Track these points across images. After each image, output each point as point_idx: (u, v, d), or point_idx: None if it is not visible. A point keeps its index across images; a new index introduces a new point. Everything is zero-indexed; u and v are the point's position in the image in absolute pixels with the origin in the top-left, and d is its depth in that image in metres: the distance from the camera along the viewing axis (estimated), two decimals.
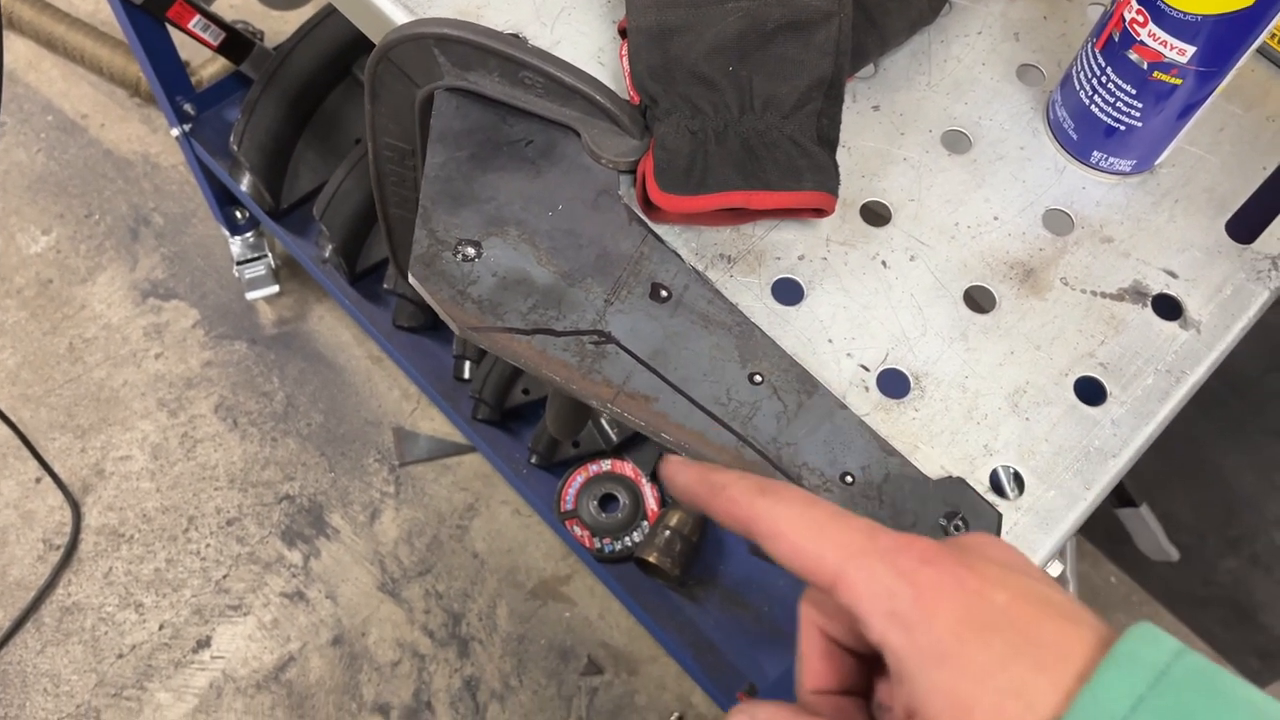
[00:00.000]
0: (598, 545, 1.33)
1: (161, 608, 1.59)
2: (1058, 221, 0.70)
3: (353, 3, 0.73)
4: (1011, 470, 0.61)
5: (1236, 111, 0.74)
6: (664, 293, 0.63)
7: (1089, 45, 0.67)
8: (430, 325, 1.43)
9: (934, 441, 0.62)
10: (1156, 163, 0.71)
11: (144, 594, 1.59)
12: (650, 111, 0.65)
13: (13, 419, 1.62)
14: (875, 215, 0.69)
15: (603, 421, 1.35)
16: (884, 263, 0.67)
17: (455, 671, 1.58)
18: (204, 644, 1.57)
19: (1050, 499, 0.61)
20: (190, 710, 1.53)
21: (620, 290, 0.63)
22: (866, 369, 0.63)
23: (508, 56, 0.64)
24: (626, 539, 1.33)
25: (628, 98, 0.66)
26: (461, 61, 0.66)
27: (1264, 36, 0.60)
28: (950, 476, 0.60)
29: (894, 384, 0.63)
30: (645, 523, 1.34)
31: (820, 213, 0.65)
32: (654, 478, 1.36)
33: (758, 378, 0.62)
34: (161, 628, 1.58)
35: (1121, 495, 1.39)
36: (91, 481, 1.66)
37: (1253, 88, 0.75)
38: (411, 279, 0.61)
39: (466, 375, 1.39)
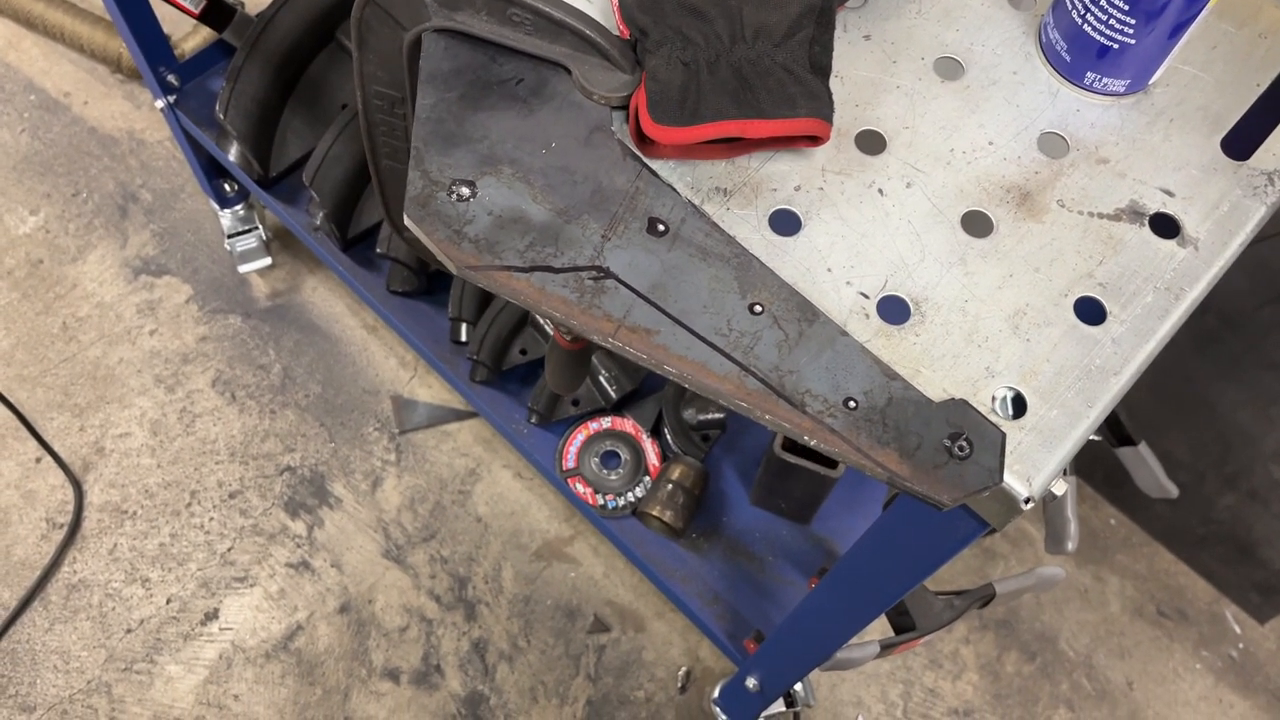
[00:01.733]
0: (601, 502, 1.33)
1: (168, 582, 1.59)
2: (1053, 145, 0.69)
3: None
4: (1013, 393, 0.61)
5: (1229, 29, 0.74)
6: (661, 227, 0.63)
7: None
8: (424, 289, 1.43)
9: (935, 365, 0.62)
10: (1150, 82, 0.70)
11: (150, 569, 1.60)
12: (640, 45, 0.65)
13: (10, 400, 1.62)
14: (870, 144, 0.68)
15: (601, 379, 1.35)
16: (880, 190, 0.67)
17: (463, 634, 1.59)
18: (212, 616, 1.57)
19: (1053, 418, 0.61)
20: (201, 681, 1.53)
21: (617, 226, 0.63)
22: (866, 296, 0.63)
23: None
24: (629, 494, 1.33)
25: (617, 32, 0.66)
26: (449, 1, 0.65)
27: None
28: (953, 399, 0.60)
29: (894, 310, 0.63)
30: (647, 478, 1.34)
31: (815, 141, 0.65)
32: (654, 433, 1.36)
33: (758, 308, 0.62)
34: (169, 601, 1.58)
35: (1120, 434, 1.39)
36: (92, 460, 1.66)
37: (1244, 5, 0.75)
38: (407, 220, 0.61)
39: (463, 338, 1.38)
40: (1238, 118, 0.70)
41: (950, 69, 0.72)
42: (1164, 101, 0.71)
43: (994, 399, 0.61)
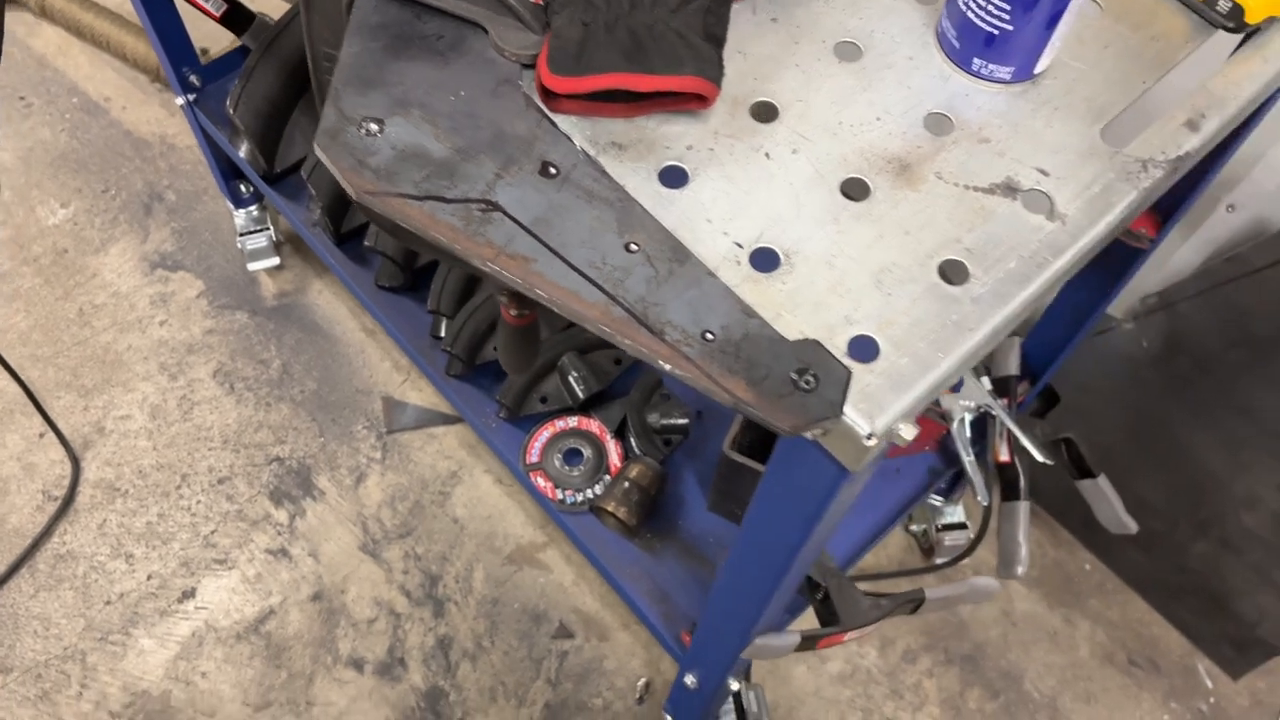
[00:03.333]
0: (560, 497, 1.37)
1: (151, 559, 1.65)
2: (938, 124, 0.73)
3: None
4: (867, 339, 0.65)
5: (1124, 31, 0.78)
6: (553, 170, 0.68)
7: None
8: (410, 285, 1.49)
9: (797, 311, 0.65)
10: (1036, 72, 0.74)
11: (135, 545, 1.65)
12: (550, 8, 0.70)
13: (22, 377, 1.70)
14: (764, 113, 0.73)
15: (570, 379, 1.40)
16: (767, 154, 0.71)
17: (429, 630, 1.62)
18: (189, 595, 1.62)
19: (904, 365, 0.64)
20: (172, 657, 1.58)
21: (511, 166, 0.68)
22: (740, 246, 0.68)
23: None
24: (589, 491, 1.37)
25: None
26: None
27: None
28: (806, 339, 0.64)
29: (765, 260, 0.67)
30: (608, 477, 1.37)
31: (703, 101, 0.70)
32: (619, 434, 1.40)
33: (633, 246, 0.66)
34: (149, 578, 1.63)
35: (1081, 466, 1.40)
36: (92, 438, 1.73)
37: (1140, 10, 0.79)
38: (316, 148, 0.67)
39: (442, 333, 1.44)
40: (1120, 110, 0.74)
41: (849, 52, 0.76)
42: (1051, 92, 0.75)
43: (849, 342, 0.65)
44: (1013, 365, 1.39)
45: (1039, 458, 1.31)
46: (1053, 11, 0.69)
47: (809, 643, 1.07)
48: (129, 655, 1.58)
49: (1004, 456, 1.36)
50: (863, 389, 0.63)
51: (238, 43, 1.55)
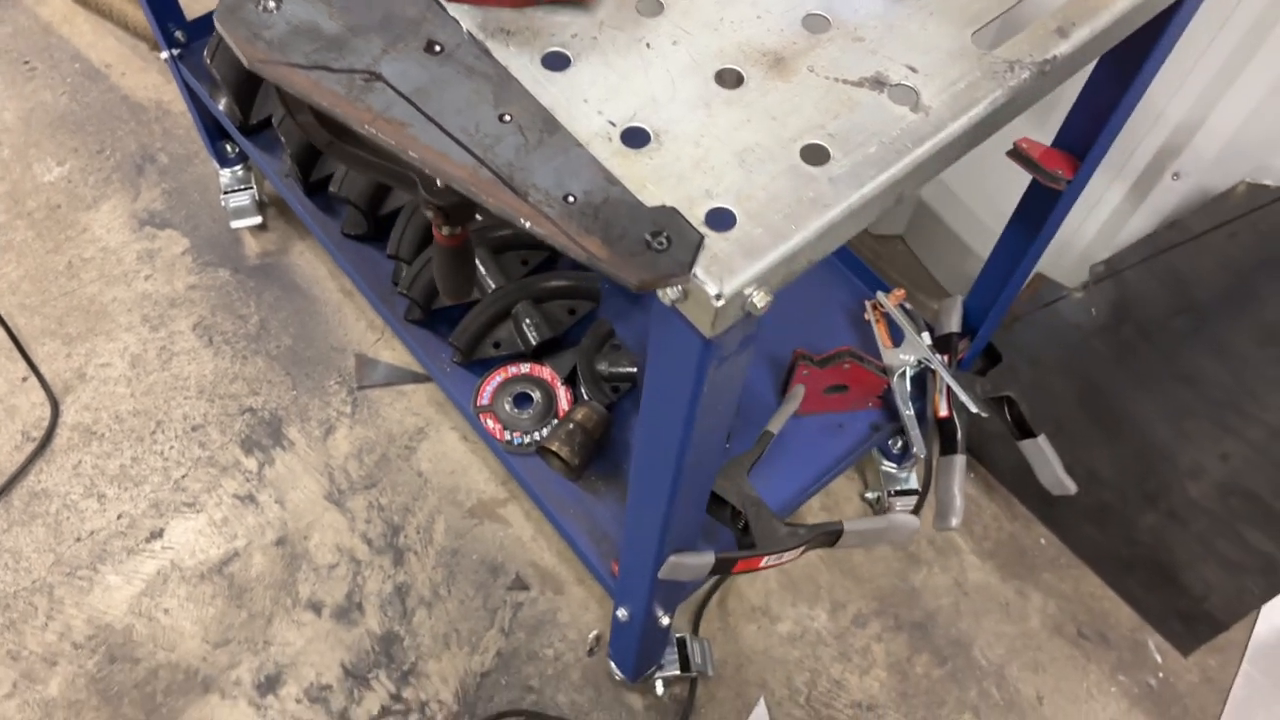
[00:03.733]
0: (508, 438, 1.40)
1: (122, 500, 1.69)
2: (816, 23, 0.77)
3: None
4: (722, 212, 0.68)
5: None
6: (437, 48, 0.72)
7: None
8: (374, 234, 1.53)
9: (661, 184, 0.69)
10: None
11: (108, 486, 1.70)
12: None
13: (8, 323, 1.76)
14: (649, 8, 0.77)
15: (524, 325, 1.43)
16: (648, 44, 0.75)
17: (388, 578, 1.65)
18: (156, 535, 1.67)
19: (757, 235, 0.67)
20: (136, 593, 1.62)
21: (397, 44, 0.72)
22: (613, 124, 0.71)
23: None
24: (536, 434, 1.40)
25: None
26: None
27: None
28: (664, 206, 0.67)
29: (636, 137, 0.71)
30: (556, 421, 1.41)
31: None
32: (569, 382, 1.44)
33: (506, 117, 0.70)
34: (119, 517, 1.68)
35: (1021, 426, 1.42)
36: (73, 383, 1.79)
37: None
38: (216, 21, 0.71)
39: (400, 280, 1.48)
40: (994, 17, 0.77)
41: None
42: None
43: (706, 213, 0.68)
44: (954, 323, 1.41)
45: (974, 409, 1.33)
46: None
47: (724, 565, 1.10)
48: (95, 590, 1.62)
49: (943, 412, 1.38)
50: (715, 254, 0.66)
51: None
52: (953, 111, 0.73)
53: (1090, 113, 1.04)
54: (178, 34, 1.62)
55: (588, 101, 0.72)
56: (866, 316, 1.41)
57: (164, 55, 1.64)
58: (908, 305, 1.41)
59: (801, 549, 1.12)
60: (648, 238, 0.66)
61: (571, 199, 0.67)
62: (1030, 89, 0.76)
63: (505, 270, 1.47)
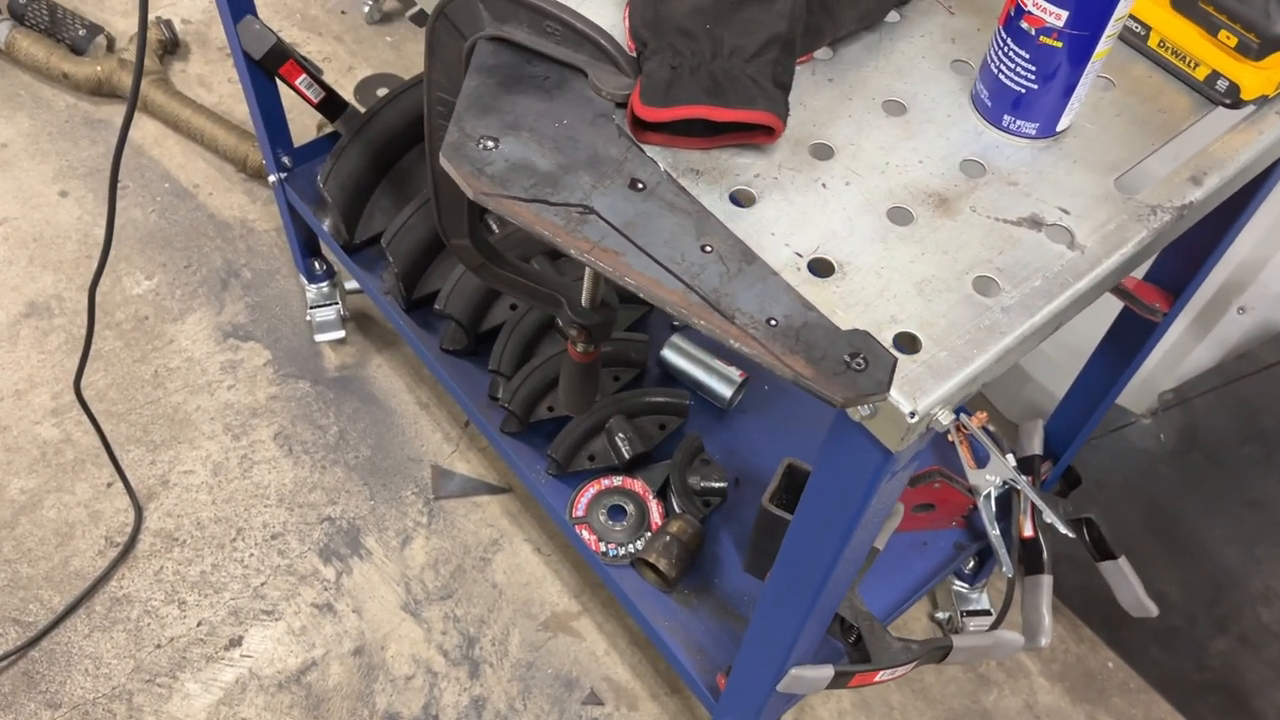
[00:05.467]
0: (603, 549, 1.44)
1: (202, 606, 1.71)
2: (972, 168, 0.85)
3: None
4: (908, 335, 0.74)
5: (1134, 103, 0.90)
6: (640, 185, 0.79)
7: (996, 26, 0.83)
8: (472, 350, 1.60)
9: (849, 310, 0.75)
10: (1058, 130, 0.86)
11: (188, 593, 1.72)
12: (641, 54, 0.83)
13: (102, 429, 1.80)
14: (821, 152, 0.85)
15: (617, 439, 1.48)
16: (824, 185, 0.82)
17: (464, 690, 1.66)
18: (235, 643, 1.68)
19: (943, 358, 0.73)
20: (215, 702, 1.63)
21: (604, 180, 0.79)
22: (800, 255, 0.78)
23: (536, 8, 0.83)
24: (630, 546, 1.44)
25: (626, 46, 0.85)
26: (499, 15, 0.85)
27: (1121, 8, 0.76)
28: (857, 329, 0.74)
29: (821, 268, 0.78)
30: (649, 534, 1.44)
31: (770, 134, 0.82)
32: (660, 495, 1.48)
33: (708, 248, 0.77)
34: (199, 624, 1.70)
35: (1101, 548, 1.46)
36: (156, 490, 1.82)
37: (1149, 87, 0.91)
38: (442, 159, 0.78)
39: (499, 394, 1.54)
40: (1131, 166, 0.85)
41: (895, 109, 0.88)
42: (1071, 148, 0.86)
43: (894, 337, 0.74)
44: (1036, 445, 1.47)
45: (1062, 530, 1.37)
46: (1069, 81, 0.81)
47: (842, 678, 1.12)
48: (174, 698, 1.63)
49: (1028, 532, 1.43)
50: (906, 375, 0.72)
51: (323, 131, 1.71)
52: (1105, 250, 0.80)
53: (1188, 251, 1.12)
54: (285, 159, 1.72)
55: (774, 235, 0.79)
56: (950, 437, 1.46)
57: (272, 178, 1.73)
58: (989, 427, 1.47)
59: (914, 664, 1.15)
60: (846, 358, 0.72)
61: (774, 322, 0.73)
62: (1169, 230, 0.83)
63: (599, 385, 1.53)
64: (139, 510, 1.79)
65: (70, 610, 1.69)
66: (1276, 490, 1.48)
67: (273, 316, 2.04)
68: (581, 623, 1.74)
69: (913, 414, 0.71)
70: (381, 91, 2.26)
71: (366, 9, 2.51)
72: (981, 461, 1.45)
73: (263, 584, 1.74)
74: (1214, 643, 1.62)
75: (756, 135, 0.82)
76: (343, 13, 2.56)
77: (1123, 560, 1.45)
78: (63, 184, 2.19)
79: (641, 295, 0.74)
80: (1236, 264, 1.47)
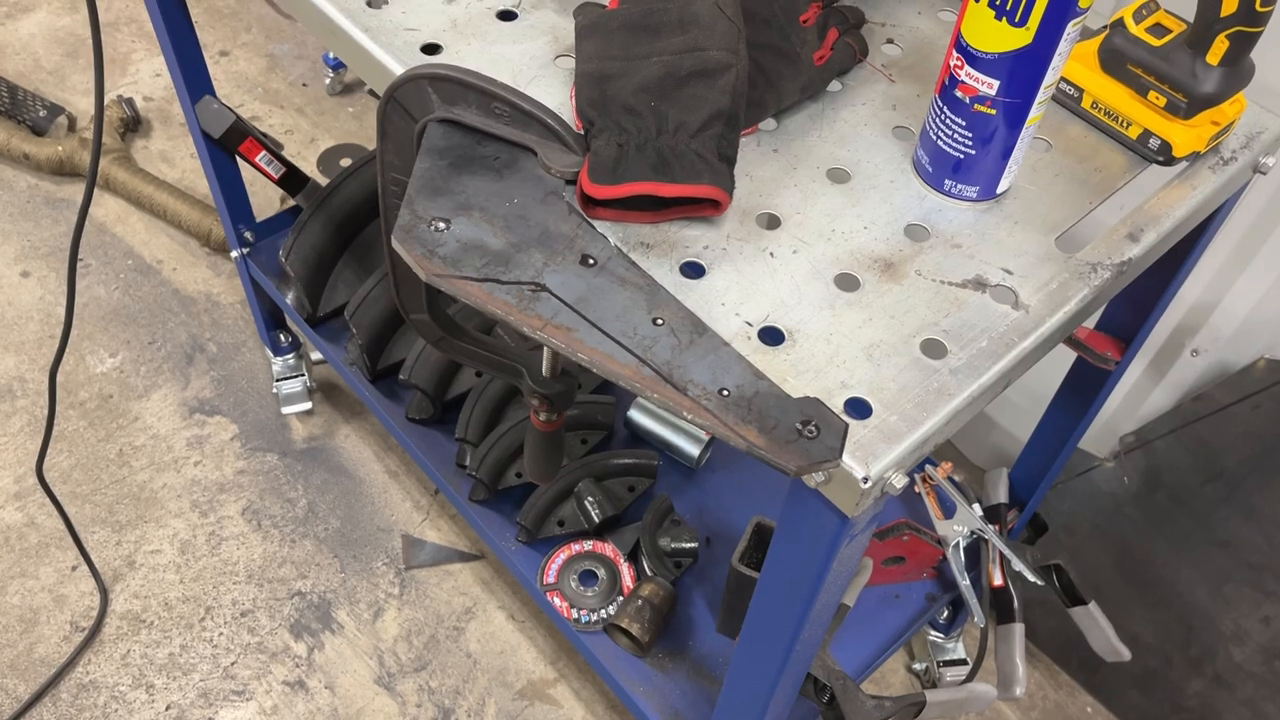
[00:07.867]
0: (575, 616, 1.43)
1: (171, 690, 1.68)
2: (917, 232, 0.87)
3: (366, 64, 0.95)
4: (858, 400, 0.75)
5: (1071, 163, 0.92)
6: (591, 261, 0.81)
7: (934, 95, 0.86)
8: (439, 419, 1.60)
9: (800, 377, 0.76)
10: (999, 192, 0.88)
11: (156, 676, 1.69)
12: (589, 132, 0.84)
13: (66, 513, 1.78)
14: (768, 222, 0.86)
15: (586, 503, 1.48)
16: (771, 254, 0.84)
17: None
18: None
19: (893, 422, 0.75)
20: None
21: (556, 258, 0.80)
22: (750, 324, 0.79)
23: (484, 90, 0.85)
24: (603, 611, 1.43)
25: (574, 125, 0.86)
26: (448, 98, 0.87)
27: (1050, 75, 0.79)
28: (808, 396, 0.75)
29: (772, 336, 0.79)
30: (621, 598, 1.44)
31: (717, 207, 0.83)
32: (631, 558, 1.48)
33: (659, 320, 0.78)
34: (168, 708, 1.67)
35: (1071, 594, 1.47)
36: (122, 571, 1.80)
37: (1085, 148, 0.94)
38: (394, 241, 0.79)
39: (467, 461, 1.54)
40: (1071, 225, 0.87)
41: (840, 176, 0.90)
42: (1012, 209, 0.89)
43: (845, 403, 0.75)
44: (1002, 493, 1.48)
45: (1030, 578, 1.38)
46: (1006, 145, 0.84)
47: None
48: None
49: (998, 580, 1.43)
50: (858, 440, 0.73)
51: (286, 205, 1.72)
52: (1049, 308, 0.82)
53: (1136, 301, 1.14)
54: (247, 234, 1.72)
55: (725, 305, 0.80)
56: (917, 489, 1.47)
57: (235, 254, 1.73)
58: (955, 477, 1.48)
59: None
60: (798, 426, 0.73)
61: (726, 392, 0.74)
62: (1110, 286, 0.85)
63: (566, 450, 1.53)
64: (104, 593, 1.76)
65: (35, 699, 1.66)
66: (1241, 529, 1.50)
67: (239, 390, 2.03)
68: (558, 689, 1.72)
69: (866, 479, 0.72)
70: (345, 162, 2.28)
71: (328, 81, 2.54)
72: (949, 512, 1.46)
73: (233, 663, 1.72)
74: (1190, 684, 1.62)
75: (704, 209, 0.84)
76: (304, 85, 2.59)
77: (1093, 605, 1.46)
78: (24, 264, 2.19)
79: (595, 370, 0.75)
80: (1188, 308, 1.50)
